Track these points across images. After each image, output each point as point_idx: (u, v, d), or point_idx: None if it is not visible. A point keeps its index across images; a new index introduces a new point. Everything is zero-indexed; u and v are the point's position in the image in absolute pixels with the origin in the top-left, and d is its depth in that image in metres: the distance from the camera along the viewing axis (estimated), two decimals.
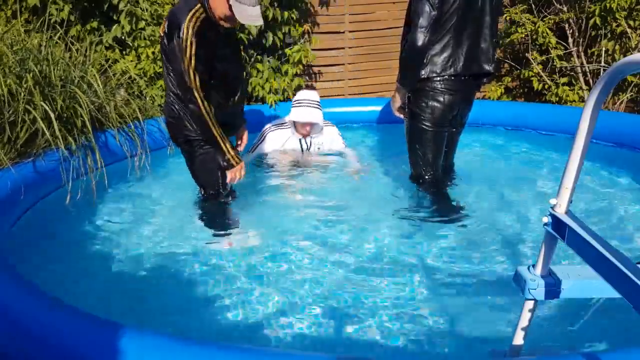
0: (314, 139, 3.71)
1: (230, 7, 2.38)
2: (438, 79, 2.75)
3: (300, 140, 3.69)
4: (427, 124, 2.82)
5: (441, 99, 2.78)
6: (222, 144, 2.60)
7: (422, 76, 2.75)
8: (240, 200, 2.95)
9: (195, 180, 2.84)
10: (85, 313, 1.64)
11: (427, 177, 2.96)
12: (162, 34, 2.49)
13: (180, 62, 2.40)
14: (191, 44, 2.38)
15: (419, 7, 2.61)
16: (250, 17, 2.41)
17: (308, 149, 3.72)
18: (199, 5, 2.41)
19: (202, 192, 2.86)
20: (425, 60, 2.71)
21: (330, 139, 3.79)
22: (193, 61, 2.40)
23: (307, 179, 3.48)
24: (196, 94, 2.45)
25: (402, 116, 2.98)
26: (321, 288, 2.25)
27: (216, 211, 2.87)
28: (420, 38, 2.61)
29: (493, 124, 4.46)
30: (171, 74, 2.53)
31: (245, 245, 2.63)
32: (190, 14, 2.39)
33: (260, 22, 2.45)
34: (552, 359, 1.48)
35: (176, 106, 2.59)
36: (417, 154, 2.92)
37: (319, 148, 3.75)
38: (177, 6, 2.48)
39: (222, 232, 2.77)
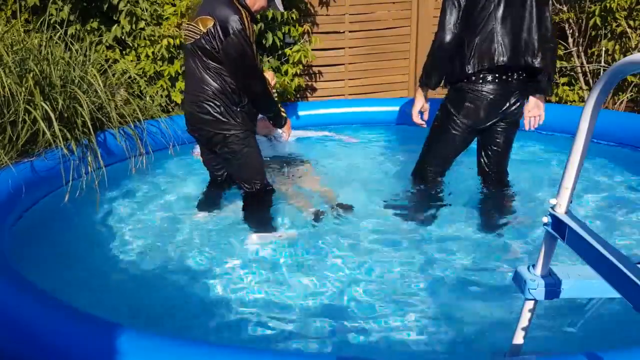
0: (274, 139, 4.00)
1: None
2: (474, 78, 2.64)
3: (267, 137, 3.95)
4: (449, 124, 2.74)
5: (479, 101, 2.65)
6: (281, 108, 2.85)
7: (467, 72, 2.63)
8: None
9: (242, 175, 2.84)
10: (84, 313, 1.64)
11: (424, 178, 2.95)
12: (206, 34, 2.55)
13: (248, 52, 2.55)
14: (252, 32, 2.58)
15: (445, 4, 2.56)
16: (280, 3, 2.82)
17: (272, 141, 3.97)
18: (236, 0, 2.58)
19: (249, 187, 2.85)
20: (467, 56, 2.61)
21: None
22: (254, 47, 2.59)
23: (300, 178, 3.49)
24: (262, 76, 2.66)
25: (420, 122, 2.83)
26: (320, 288, 2.26)
27: (260, 207, 2.90)
28: (447, 36, 2.55)
29: None
30: (222, 73, 2.62)
31: (253, 243, 2.66)
32: (239, 6, 2.55)
33: (282, 8, 2.88)
34: (552, 358, 1.48)
35: (217, 102, 2.66)
36: (433, 151, 2.88)
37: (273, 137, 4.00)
38: (215, 4, 2.56)
39: (262, 229, 2.80)
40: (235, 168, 2.83)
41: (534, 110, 2.77)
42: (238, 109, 2.70)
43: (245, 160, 2.79)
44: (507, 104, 2.67)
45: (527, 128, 2.80)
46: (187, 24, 2.71)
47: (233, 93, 2.67)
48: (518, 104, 2.70)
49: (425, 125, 2.87)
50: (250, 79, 2.63)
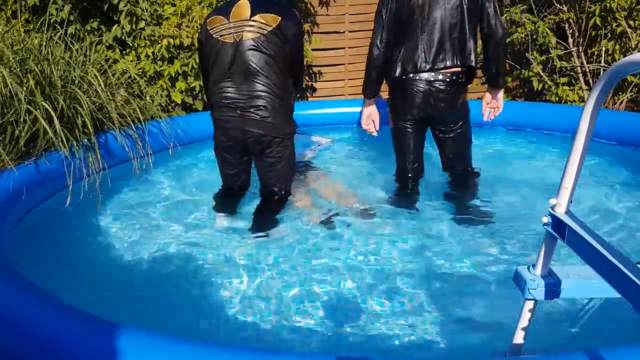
0: None
1: None
2: (404, 77, 2.85)
3: None
4: (393, 120, 3.00)
5: (404, 96, 2.88)
6: None
7: (394, 75, 2.88)
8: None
9: (281, 177, 2.79)
10: (84, 313, 1.64)
11: (399, 173, 3.10)
12: (276, 28, 2.59)
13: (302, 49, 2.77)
14: None
15: (375, 21, 2.86)
16: None
17: None
18: None
19: (280, 190, 2.82)
20: (394, 60, 2.87)
21: None
22: None
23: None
24: None
25: (368, 129, 3.08)
26: (321, 288, 2.26)
27: (280, 209, 2.87)
28: (373, 52, 2.87)
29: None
30: (285, 69, 2.66)
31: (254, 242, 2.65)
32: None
33: None
34: (552, 357, 1.48)
35: (284, 102, 2.67)
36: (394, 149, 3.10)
37: None
38: (277, 3, 2.71)
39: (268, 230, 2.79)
40: (275, 171, 2.75)
41: (492, 102, 3.06)
42: (293, 107, 2.73)
43: (288, 163, 2.76)
44: (433, 99, 2.83)
45: (484, 119, 3.11)
46: (238, 21, 2.61)
47: (291, 91, 2.69)
48: (450, 103, 2.86)
49: (375, 132, 3.10)
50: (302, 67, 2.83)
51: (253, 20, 2.58)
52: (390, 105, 3.01)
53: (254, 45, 2.57)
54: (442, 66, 2.79)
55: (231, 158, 2.82)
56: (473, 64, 2.82)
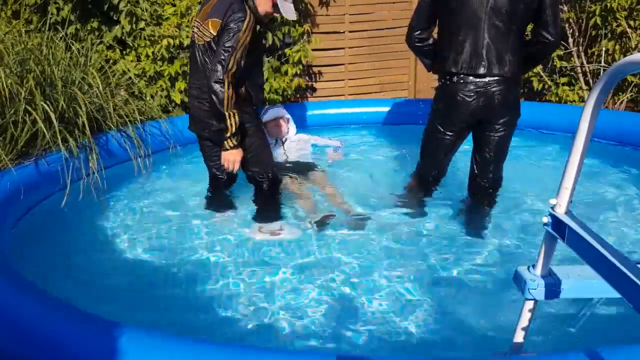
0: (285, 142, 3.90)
1: (274, 5, 2.67)
2: (448, 82, 2.66)
3: (276, 139, 3.84)
4: (432, 124, 2.80)
5: (450, 104, 2.65)
6: (230, 125, 2.58)
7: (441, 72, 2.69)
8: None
9: (253, 167, 2.81)
10: (84, 312, 1.64)
11: (419, 176, 2.98)
12: (215, 36, 2.55)
13: (233, 47, 2.50)
14: (246, 36, 2.53)
15: (416, 6, 2.72)
16: (291, 11, 2.73)
17: (282, 144, 3.86)
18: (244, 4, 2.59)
19: (260, 179, 2.83)
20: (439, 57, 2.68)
21: (298, 138, 3.99)
22: (240, 52, 2.52)
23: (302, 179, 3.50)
24: (227, 80, 2.51)
25: None
26: (320, 287, 2.26)
27: (268, 201, 2.89)
28: (407, 34, 2.76)
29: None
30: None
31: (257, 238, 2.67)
32: (247, 11, 2.55)
33: (295, 16, 2.81)
34: (552, 357, 1.48)
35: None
36: (420, 147, 2.93)
37: (285, 140, 3.91)
38: (226, 5, 2.56)
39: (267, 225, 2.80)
40: (246, 161, 2.78)
41: None
42: (245, 101, 2.70)
43: (256, 153, 2.78)
44: (474, 106, 2.59)
45: None
46: (198, 22, 2.68)
47: (238, 87, 2.65)
48: (491, 109, 2.60)
49: None
50: (215, 70, 2.51)
51: (204, 26, 2.63)
52: (434, 110, 2.78)
53: (199, 50, 2.67)
54: (472, 72, 2.56)
55: (209, 144, 2.91)
56: (506, 74, 2.55)
